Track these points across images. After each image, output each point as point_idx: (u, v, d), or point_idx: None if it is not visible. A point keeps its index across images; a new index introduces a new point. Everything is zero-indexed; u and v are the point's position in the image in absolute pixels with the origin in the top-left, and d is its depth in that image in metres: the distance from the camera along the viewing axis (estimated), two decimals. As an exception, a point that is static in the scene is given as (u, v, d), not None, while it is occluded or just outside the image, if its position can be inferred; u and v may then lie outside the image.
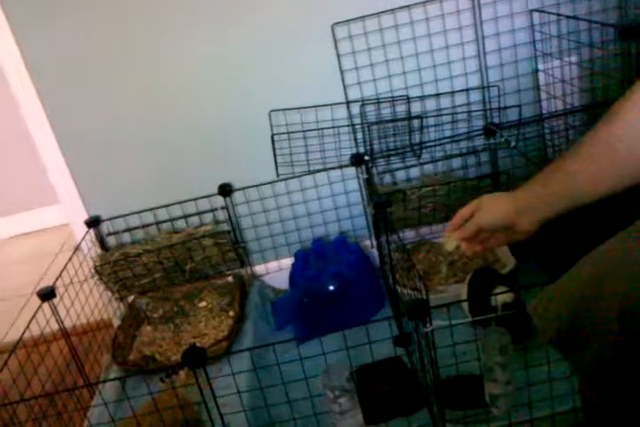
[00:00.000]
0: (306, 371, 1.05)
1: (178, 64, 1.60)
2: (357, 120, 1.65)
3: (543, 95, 1.62)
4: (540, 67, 1.60)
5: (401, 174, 1.73)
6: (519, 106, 1.60)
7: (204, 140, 1.68)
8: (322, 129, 1.64)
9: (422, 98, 1.64)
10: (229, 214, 1.72)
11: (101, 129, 1.66)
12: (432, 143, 1.65)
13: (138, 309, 1.74)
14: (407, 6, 1.54)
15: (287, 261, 1.79)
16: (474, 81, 1.63)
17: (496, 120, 1.63)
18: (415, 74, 1.62)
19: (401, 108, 1.65)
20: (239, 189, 1.72)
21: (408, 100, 1.64)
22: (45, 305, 1.37)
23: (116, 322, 1.72)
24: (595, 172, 0.77)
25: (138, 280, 1.69)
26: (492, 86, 1.62)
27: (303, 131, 1.64)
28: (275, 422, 1.17)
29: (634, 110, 0.74)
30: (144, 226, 1.74)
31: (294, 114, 1.64)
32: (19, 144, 2.66)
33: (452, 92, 1.64)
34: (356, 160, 1.62)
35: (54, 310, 1.38)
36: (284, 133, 1.64)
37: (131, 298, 1.75)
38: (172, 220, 1.75)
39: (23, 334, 1.27)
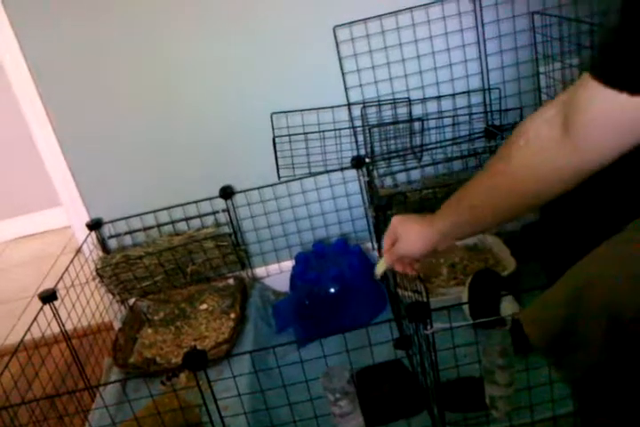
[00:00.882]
0: (306, 373, 1.04)
1: (180, 67, 1.61)
2: (358, 122, 1.65)
3: (544, 97, 1.62)
4: (542, 69, 1.60)
5: (402, 177, 1.73)
6: (520, 108, 1.60)
7: (206, 142, 1.68)
8: (323, 131, 1.64)
9: (423, 100, 1.64)
10: (230, 217, 1.72)
11: (103, 131, 1.66)
12: (433, 145, 1.65)
13: (139, 311, 1.74)
14: (409, 9, 1.54)
15: (288, 264, 1.79)
16: (475, 83, 1.63)
17: (497, 122, 1.63)
18: (416, 76, 1.62)
19: (402, 111, 1.65)
20: (240, 192, 1.72)
21: (409, 102, 1.64)
22: (47, 308, 1.37)
23: (117, 325, 1.72)
24: (495, 205, 0.82)
25: (139, 283, 1.69)
26: (494, 88, 1.62)
27: (304, 133, 1.64)
28: (275, 424, 1.16)
29: (527, 149, 0.76)
30: (145, 228, 1.74)
31: (296, 116, 1.64)
32: (21, 147, 2.66)
33: (454, 95, 1.64)
34: (357, 162, 1.62)
35: (55, 313, 1.38)
36: (285, 136, 1.64)
37: (132, 301, 1.75)
38: (173, 222, 1.75)
39: (24, 336, 1.27)
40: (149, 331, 1.69)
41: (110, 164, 1.69)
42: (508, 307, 1.28)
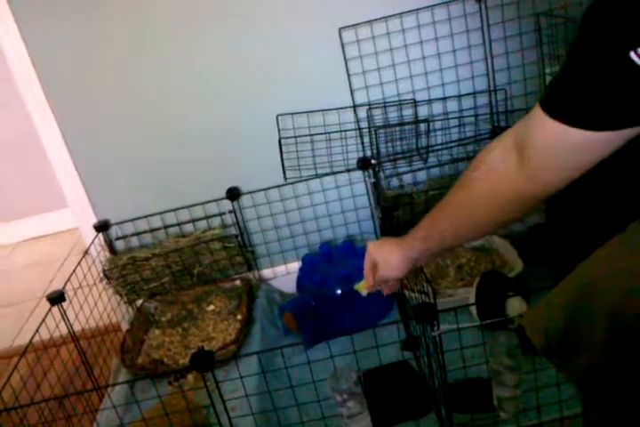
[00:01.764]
0: (314, 375, 1.05)
1: (186, 69, 1.61)
2: (364, 124, 1.65)
3: (550, 98, 1.62)
4: (547, 70, 1.60)
5: (408, 178, 1.73)
6: (526, 109, 1.59)
7: (212, 144, 1.69)
8: (329, 133, 1.64)
9: (429, 101, 1.64)
10: (237, 218, 1.72)
11: (110, 134, 1.67)
12: (439, 147, 1.65)
13: (146, 312, 1.74)
14: (414, 10, 1.54)
15: (294, 265, 1.80)
16: (481, 84, 1.63)
17: (503, 124, 1.63)
18: (422, 77, 1.62)
19: (408, 112, 1.65)
20: (247, 193, 1.73)
21: (415, 103, 1.64)
22: (55, 309, 1.38)
23: (125, 326, 1.73)
24: (457, 231, 0.90)
25: (146, 284, 1.70)
26: (499, 90, 1.62)
27: (310, 135, 1.65)
28: (283, 425, 1.17)
29: (486, 178, 0.82)
30: (152, 230, 1.75)
31: (301, 118, 1.65)
32: (28, 149, 2.67)
33: (459, 96, 1.64)
34: (363, 164, 1.63)
35: (63, 314, 1.39)
36: (291, 137, 1.65)
37: (139, 302, 1.76)
38: (179, 224, 1.75)
39: (33, 337, 1.28)
40: (157, 332, 1.70)
41: (117, 166, 1.70)
42: (515, 307, 1.28)
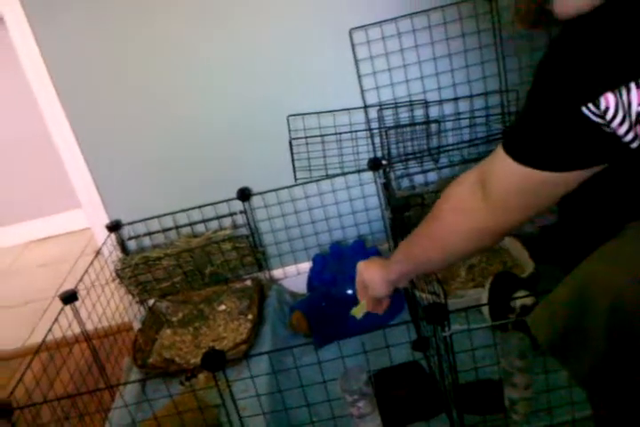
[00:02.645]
0: (324, 375, 1.05)
1: (197, 69, 1.62)
2: (375, 124, 1.65)
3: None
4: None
5: (419, 178, 1.73)
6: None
7: (223, 144, 1.70)
8: (339, 133, 1.65)
9: (440, 102, 1.64)
10: (248, 219, 1.73)
11: (122, 134, 1.68)
12: (450, 147, 1.65)
13: (158, 312, 1.75)
14: (425, 11, 1.54)
15: (305, 266, 1.80)
16: (492, 85, 1.62)
17: (514, 124, 1.62)
18: (433, 78, 1.62)
19: (419, 113, 1.65)
20: (257, 194, 1.73)
21: (426, 104, 1.64)
22: (67, 308, 1.39)
23: (137, 325, 1.74)
24: (430, 257, 0.95)
25: (158, 284, 1.71)
26: (511, 90, 1.61)
27: (321, 135, 1.65)
28: (293, 425, 1.17)
29: (453, 212, 0.87)
30: (164, 230, 1.76)
31: (312, 119, 1.65)
32: (41, 149, 2.70)
33: (471, 96, 1.64)
34: (374, 164, 1.63)
35: (76, 313, 1.40)
36: (301, 138, 1.65)
37: (151, 301, 1.77)
38: (191, 224, 1.76)
39: (46, 336, 1.29)
40: (168, 332, 1.71)
41: (129, 166, 1.72)
42: (520, 301, 1.27)
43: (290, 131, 1.64)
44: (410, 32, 1.57)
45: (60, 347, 1.38)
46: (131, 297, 1.74)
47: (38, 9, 1.54)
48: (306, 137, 1.65)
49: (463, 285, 1.58)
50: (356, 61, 1.59)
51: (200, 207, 1.74)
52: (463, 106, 1.65)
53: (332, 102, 1.64)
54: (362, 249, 1.72)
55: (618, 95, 0.61)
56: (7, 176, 2.93)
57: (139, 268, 1.68)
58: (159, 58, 1.61)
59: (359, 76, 1.61)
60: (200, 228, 1.77)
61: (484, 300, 1.40)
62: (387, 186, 1.61)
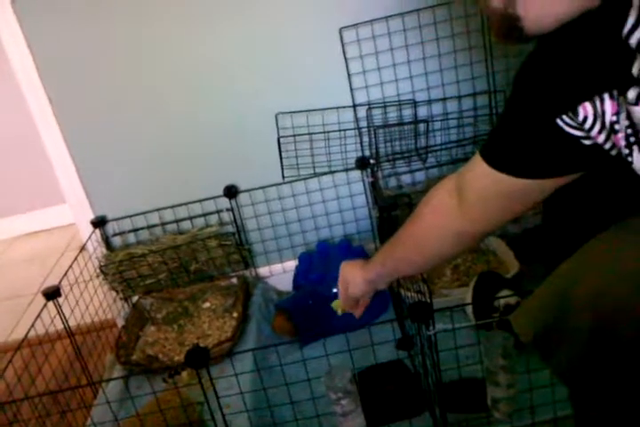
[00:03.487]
0: (309, 372, 1.05)
1: (185, 66, 1.61)
2: (364, 123, 1.65)
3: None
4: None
5: (406, 178, 1.73)
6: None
7: (211, 141, 1.69)
8: (328, 132, 1.65)
9: (429, 102, 1.65)
10: (234, 216, 1.73)
11: (108, 130, 1.67)
12: (438, 147, 1.65)
13: (142, 309, 1.74)
14: (416, 10, 1.54)
15: (291, 264, 1.80)
16: (481, 86, 1.63)
17: (502, 125, 1.63)
18: (422, 78, 1.62)
19: (407, 112, 1.66)
20: (244, 191, 1.73)
21: (415, 103, 1.64)
22: (50, 304, 1.38)
23: (120, 322, 1.73)
24: (410, 260, 0.97)
25: (142, 280, 1.70)
26: (499, 91, 1.62)
27: (309, 133, 1.65)
28: (277, 423, 1.17)
29: (432, 215, 0.90)
30: (149, 227, 1.75)
31: (301, 117, 1.65)
32: (26, 144, 2.67)
33: (459, 97, 1.64)
34: (362, 163, 1.63)
35: (59, 310, 1.39)
36: (290, 136, 1.65)
37: (135, 298, 1.76)
38: (177, 221, 1.75)
39: (28, 332, 1.28)
40: (152, 329, 1.70)
41: (115, 162, 1.70)
42: (504, 300, 1.28)
43: (278, 129, 1.64)
44: (400, 31, 1.57)
45: (42, 343, 1.37)
46: (115, 293, 1.72)
47: (29, 9, 1.53)
48: (294, 135, 1.65)
49: (448, 284, 1.59)
50: (346, 60, 1.59)
51: (186, 204, 1.73)
52: (451, 106, 1.65)
53: (321, 101, 1.63)
54: (348, 248, 1.72)
55: (593, 105, 0.63)
56: (-8, 171, 2.90)
57: (123, 264, 1.67)
58: (146, 56, 1.60)
59: (349, 75, 1.61)
60: (186, 225, 1.76)
61: (468, 299, 1.41)
62: (374, 185, 1.61)
